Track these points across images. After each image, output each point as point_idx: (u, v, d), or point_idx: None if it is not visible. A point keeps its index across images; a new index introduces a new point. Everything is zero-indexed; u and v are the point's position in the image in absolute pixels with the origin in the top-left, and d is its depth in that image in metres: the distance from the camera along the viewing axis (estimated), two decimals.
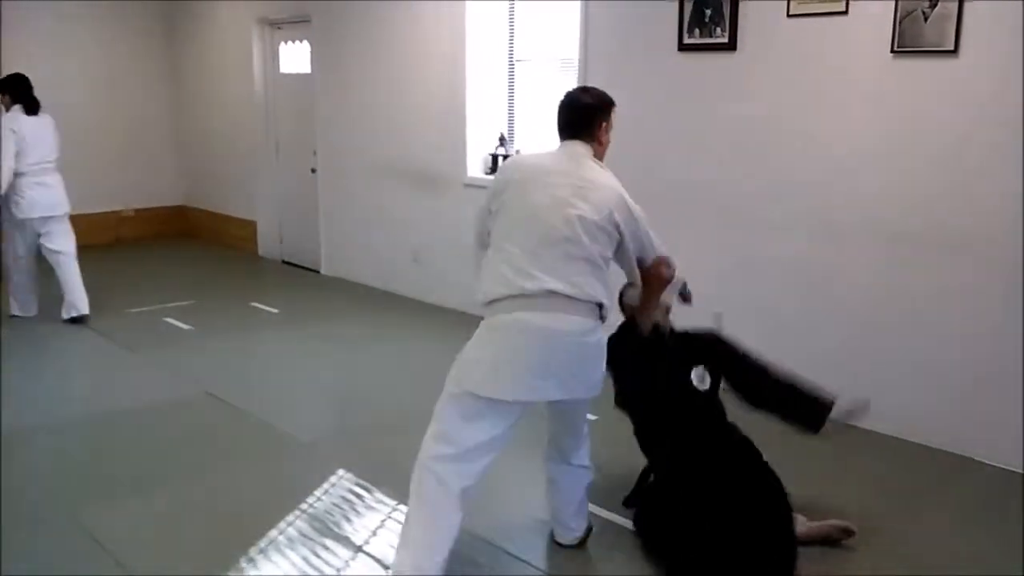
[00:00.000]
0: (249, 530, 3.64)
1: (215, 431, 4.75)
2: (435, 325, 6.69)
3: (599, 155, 3.25)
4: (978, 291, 4.24)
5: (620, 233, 3.08)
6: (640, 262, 3.22)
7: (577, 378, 3.08)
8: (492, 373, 3.05)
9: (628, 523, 3.70)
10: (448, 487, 3.08)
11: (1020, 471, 4.16)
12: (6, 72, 7.06)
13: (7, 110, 6.63)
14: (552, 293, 2.97)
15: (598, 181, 3.11)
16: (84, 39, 9.43)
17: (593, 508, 3.82)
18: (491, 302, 3.10)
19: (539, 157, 3.28)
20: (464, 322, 6.65)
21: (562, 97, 3.30)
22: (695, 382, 3.68)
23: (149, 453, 4.46)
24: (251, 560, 3.43)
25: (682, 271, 5.44)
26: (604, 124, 3.26)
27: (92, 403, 5.11)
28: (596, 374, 3.14)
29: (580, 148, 3.19)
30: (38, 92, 6.83)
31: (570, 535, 3.55)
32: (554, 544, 3.59)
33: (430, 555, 3.06)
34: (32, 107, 6.61)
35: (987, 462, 4.27)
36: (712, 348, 3.81)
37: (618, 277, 3.32)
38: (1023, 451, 4.13)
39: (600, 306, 3.07)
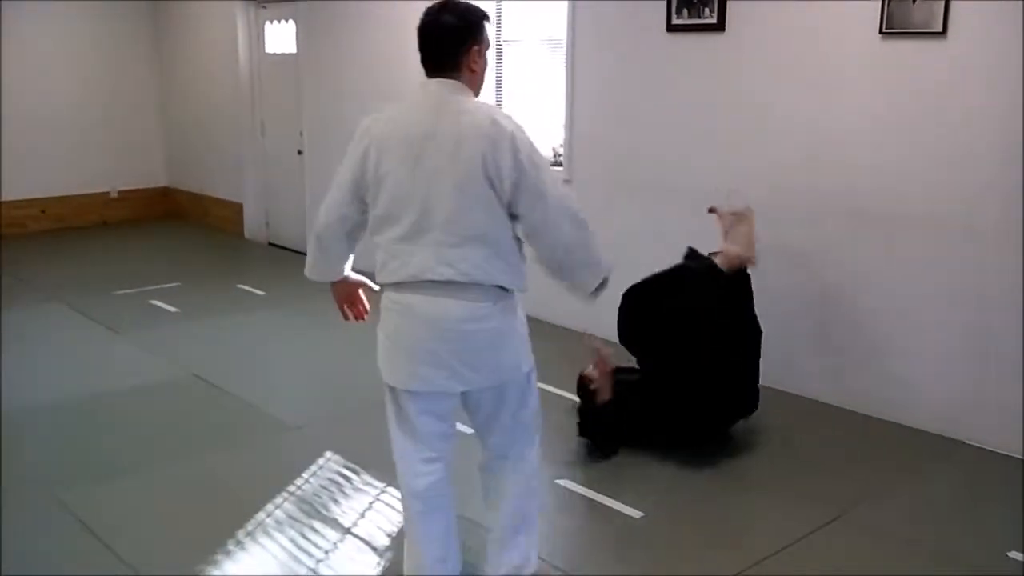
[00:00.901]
0: (237, 512, 3.63)
1: (202, 413, 4.74)
2: None
3: (473, 86, 2.69)
4: (966, 271, 4.25)
5: (501, 182, 2.54)
6: (532, 227, 2.63)
7: (473, 368, 2.70)
8: (387, 359, 2.85)
9: (623, 507, 3.71)
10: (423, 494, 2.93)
11: (1016, 455, 4.17)
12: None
13: None
14: (439, 280, 2.61)
15: (465, 128, 2.54)
16: (68, 20, 9.33)
17: (585, 491, 3.83)
18: (381, 285, 2.83)
19: (400, 111, 2.72)
20: None
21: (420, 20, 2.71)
22: None
23: (135, 436, 4.45)
24: (239, 542, 3.43)
25: (667, 255, 5.47)
26: (475, 48, 2.65)
27: (77, 385, 5.08)
28: (500, 362, 2.74)
29: (445, 87, 2.63)
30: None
31: (494, 570, 3.04)
32: (545, 526, 3.59)
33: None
34: None
35: (985, 447, 4.28)
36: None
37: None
38: (1022, 434, 4.14)
39: (502, 288, 2.68)
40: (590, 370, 4.31)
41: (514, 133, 2.56)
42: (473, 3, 2.73)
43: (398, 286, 2.70)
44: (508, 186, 2.53)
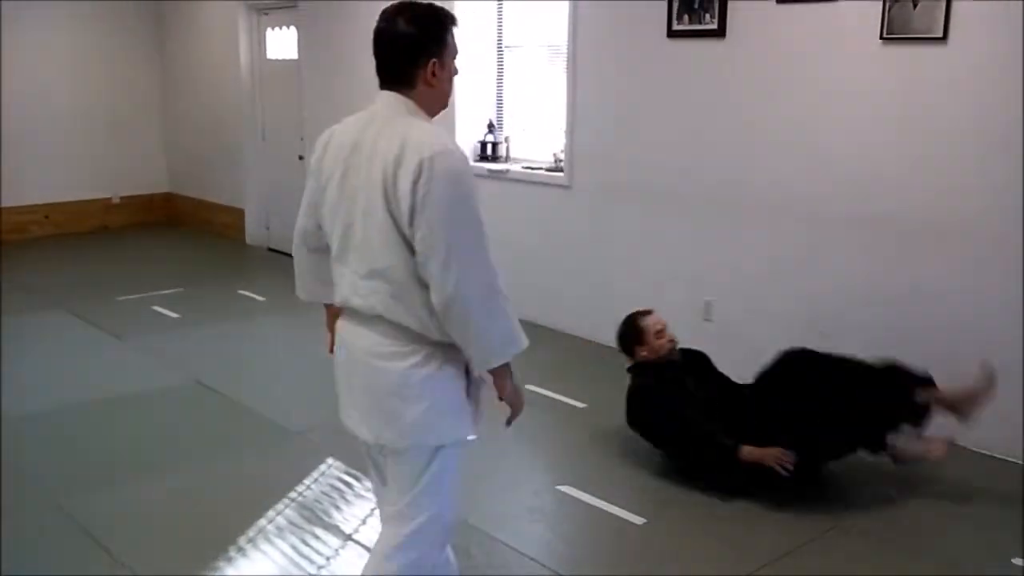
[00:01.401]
0: (238, 519, 3.63)
1: (203, 419, 4.74)
2: None
3: (429, 102, 2.33)
4: (966, 275, 4.25)
5: (399, 210, 2.16)
6: (425, 276, 2.18)
7: (377, 414, 2.34)
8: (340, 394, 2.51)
9: (626, 514, 3.70)
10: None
11: (1017, 460, 4.16)
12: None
13: None
14: (356, 309, 2.34)
15: (380, 146, 2.22)
16: (70, 27, 9.34)
17: (587, 497, 3.83)
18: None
19: (347, 123, 2.41)
20: None
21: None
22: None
23: (137, 442, 4.45)
24: (240, 549, 3.42)
25: (667, 261, 5.46)
26: (433, 62, 2.28)
27: (79, 391, 5.08)
28: (403, 414, 2.29)
29: (388, 102, 2.30)
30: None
31: None
32: (547, 532, 3.59)
33: None
34: None
35: (986, 452, 4.27)
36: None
37: None
38: (1022, 440, 4.14)
39: (414, 331, 2.27)
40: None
41: (430, 159, 2.13)
42: (439, 4, 2.37)
43: (341, 310, 2.46)
44: (406, 216, 2.15)
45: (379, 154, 2.20)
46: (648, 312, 4.23)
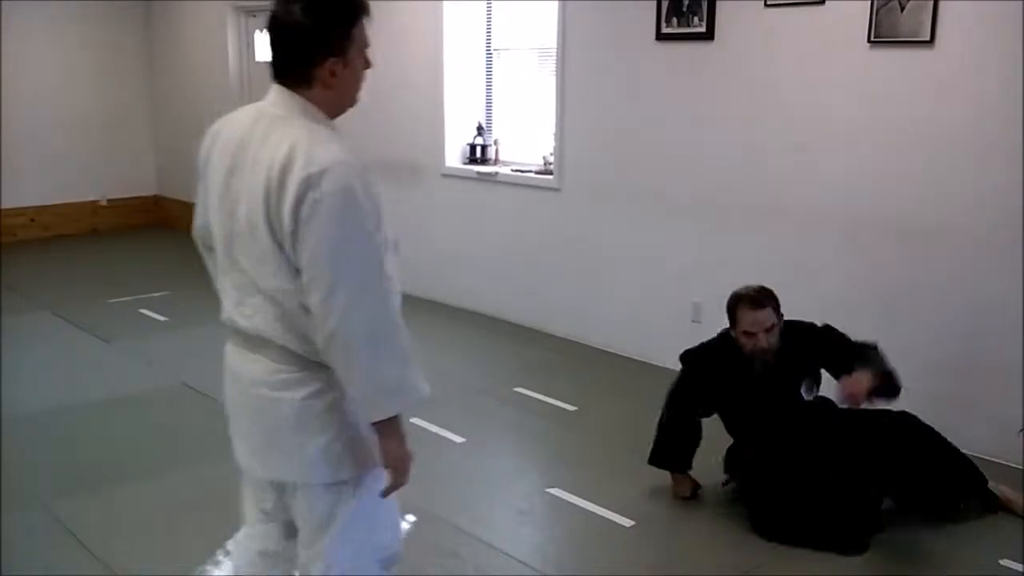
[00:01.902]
0: (227, 522, 3.61)
1: (191, 422, 4.72)
2: (413, 315, 6.61)
3: (329, 104, 2.00)
4: (957, 279, 4.27)
5: (281, 228, 1.88)
6: (309, 304, 1.91)
7: (271, 449, 2.09)
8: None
9: (615, 516, 3.70)
10: None
11: (1012, 464, 4.17)
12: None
13: None
14: (241, 330, 2.07)
15: (265, 151, 1.91)
16: (58, 29, 9.30)
17: (577, 500, 3.83)
18: None
19: (241, 117, 2.08)
20: (443, 313, 6.65)
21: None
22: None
23: (125, 445, 4.43)
24: (228, 552, 3.41)
25: (659, 263, 5.48)
26: (333, 61, 1.94)
27: (67, 394, 5.06)
28: (302, 449, 2.03)
29: (285, 101, 1.98)
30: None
31: None
32: (536, 535, 3.58)
33: None
34: None
35: (979, 455, 4.28)
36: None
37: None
38: (1022, 443, 4.15)
39: (308, 358, 2.00)
40: None
41: (319, 175, 1.83)
42: None
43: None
44: (288, 238, 1.87)
45: (263, 159, 1.90)
46: (759, 304, 3.64)
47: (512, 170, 6.34)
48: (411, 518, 3.67)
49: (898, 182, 4.39)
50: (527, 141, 6.41)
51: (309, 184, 1.83)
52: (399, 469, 2.03)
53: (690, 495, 3.83)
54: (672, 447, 3.85)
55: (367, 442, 2.04)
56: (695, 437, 3.84)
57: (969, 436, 4.23)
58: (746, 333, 3.62)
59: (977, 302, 4.20)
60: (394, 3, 6.79)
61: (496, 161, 6.57)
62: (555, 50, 5.81)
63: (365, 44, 2.00)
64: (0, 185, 8.96)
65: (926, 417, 3.94)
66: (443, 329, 6.34)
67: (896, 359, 4.08)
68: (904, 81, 4.29)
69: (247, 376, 2.07)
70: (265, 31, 1.99)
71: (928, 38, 4.15)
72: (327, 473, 2.05)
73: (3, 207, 9.05)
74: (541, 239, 6.12)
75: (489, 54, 6.58)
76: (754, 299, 3.63)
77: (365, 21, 1.98)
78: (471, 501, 3.86)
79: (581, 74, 5.71)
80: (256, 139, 1.94)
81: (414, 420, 4.60)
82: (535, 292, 6.20)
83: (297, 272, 1.90)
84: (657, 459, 3.89)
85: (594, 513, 3.73)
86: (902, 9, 4.21)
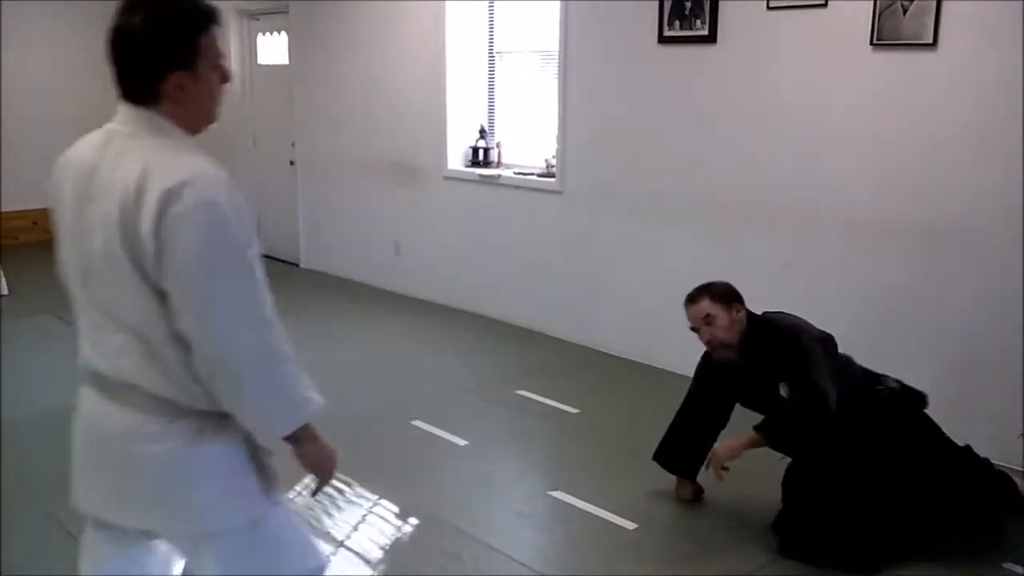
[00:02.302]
0: None
1: None
2: (416, 318, 6.67)
3: (186, 120, 1.86)
4: (957, 282, 4.26)
5: (142, 252, 1.73)
6: (184, 329, 1.76)
7: (141, 501, 1.92)
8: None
9: (617, 519, 3.70)
10: None
11: (1018, 467, 4.16)
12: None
13: None
14: (102, 374, 1.91)
15: (118, 174, 1.77)
16: (62, 31, 9.31)
17: (579, 503, 3.82)
18: None
19: (88, 143, 1.92)
20: (446, 316, 6.66)
21: None
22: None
23: None
24: None
25: (658, 268, 5.47)
26: (178, 75, 1.80)
27: (68, 397, 5.04)
28: (176, 500, 1.89)
29: (134, 119, 1.84)
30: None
31: None
32: (538, 538, 3.58)
33: None
34: None
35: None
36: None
37: None
38: (1021, 447, 4.14)
39: (177, 402, 1.85)
40: None
41: (177, 189, 1.70)
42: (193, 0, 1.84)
43: (84, 372, 2.00)
44: (151, 261, 1.72)
45: (117, 182, 1.75)
46: (691, 298, 3.60)
47: (514, 173, 6.34)
48: (413, 521, 3.67)
49: (900, 184, 4.38)
50: (529, 144, 6.41)
51: (169, 199, 1.69)
52: (323, 469, 2.01)
53: (692, 498, 3.83)
54: (681, 443, 3.79)
55: (241, 491, 1.92)
56: (708, 435, 3.71)
57: (969, 438, 4.22)
58: (693, 329, 3.58)
59: (978, 304, 4.20)
60: (396, 6, 6.81)
61: (498, 164, 6.58)
62: (557, 53, 5.82)
63: (218, 56, 1.86)
64: (0, 188, 8.97)
65: (939, 419, 3.92)
66: (445, 331, 6.34)
67: (897, 361, 4.09)
68: (906, 84, 4.29)
69: (111, 428, 1.89)
70: (107, 46, 1.83)
71: (931, 41, 4.15)
72: (198, 525, 1.92)
73: (4, 210, 9.05)
74: (543, 241, 6.12)
75: (491, 57, 6.58)
76: (690, 295, 3.60)
77: (215, 31, 1.84)
78: (473, 504, 3.86)
79: (583, 77, 5.71)
80: (107, 163, 1.80)
81: (416, 423, 4.61)
82: (537, 294, 6.20)
83: (163, 296, 1.75)
84: (662, 457, 3.85)
85: (596, 516, 3.72)
86: (904, 12, 4.20)
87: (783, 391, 3.44)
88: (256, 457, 1.94)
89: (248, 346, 1.79)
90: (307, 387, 1.93)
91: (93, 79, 9.52)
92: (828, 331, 3.57)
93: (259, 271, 1.82)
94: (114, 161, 1.79)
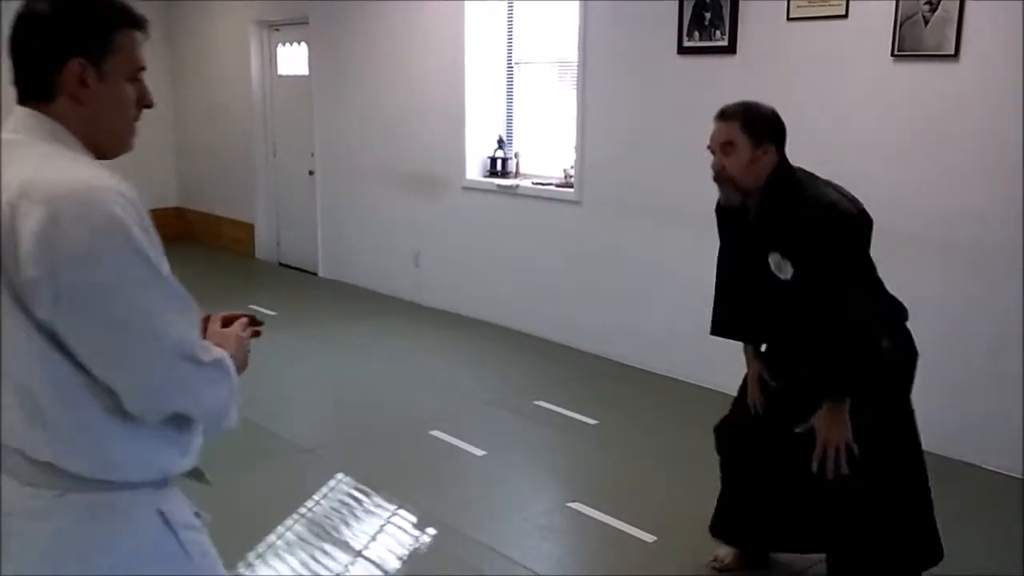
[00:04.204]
0: (248, 534, 3.62)
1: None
2: (434, 328, 6.68)
3: (87, 130, 1.57)
4: (977, 294, 4.23)
5: (22, 282, 1.43)
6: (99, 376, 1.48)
7: None
8: None
9: (636, 531, 3.68)
10: None
11: (1019, 476, 4.14)
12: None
13: None
14: None
15: (30, 199, 1.43)
16: None
17: (597, 515, 3.81)
18: None
19: None
20: (464, 326, 6.66)
21: None
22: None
23: None
24: (250, 564, 3.41)
25: (675, 278, 5.45)
26: (79, 63, 1.53)
27: None
28: None
29: (26, 122, 1.55)
30: None
31: None
32: (557, 550, 3.57)
33: None
34: None
35: (985, 467, 4.25)
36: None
37: None
38: (1022, 455, 4.12)
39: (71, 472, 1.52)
40: None
41: (74, 203, 1.43)
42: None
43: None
44: (33, 293, 1.43)
45: (21, 213, 1.43)
46: (722, 114, 3.04)
47: (533, 183, 6.34)
48: (431, 531, 3.67)
49: (922, 196, 4.36)
50: (548, 154, 6.42)
51: (58, 220, 1.40)
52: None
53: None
54: (729, 309, 3.25)
55: (168, 556, 1.63)
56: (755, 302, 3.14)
57: (988, 452, 4.20)
58: (710, 149, 3.03)
59: (997, 317, 4.16)
60: (415, 17, 6.83)
61: (517, 174, 6.58)
62: (576, 63, 5.82)
63: (136, 65, 1.61)
64: None
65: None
66: (463, 341, 6.34)
67: (926, 374, 4.05)
68: (928, 95, 4.27)
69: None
70: (7, 37, 1.56)
71: (953, 52, 4.12)
72: None
73: None
74: (561, 252, 6.12)
75: (510, 67, 6.60)
76: (724, 109, 3.02)
77: (137, 37, 1.61)
78: (492, 515, 3.85)
79: (602, 87, 5.71)
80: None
81: (434, 433, 4.61)
82: (555, 305, 6.19)
83: (57, 345, 1.46)
84: (718, 327, 3.30)
85: (615, 528, 3.71)
86: (926, 23, 4.19)
87: (775, 265, 2.92)
88: (180, 540, 1.65)
89: (197, 399, 1.57)
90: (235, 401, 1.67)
91: None
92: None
93: (179, 289, 1.61)
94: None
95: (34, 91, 1.55)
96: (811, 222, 2.84)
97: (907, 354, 3.08)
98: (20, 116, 1.56)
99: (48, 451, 1.50)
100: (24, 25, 1.54)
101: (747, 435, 3.21)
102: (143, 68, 1.64)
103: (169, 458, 1.64)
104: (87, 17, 1.55)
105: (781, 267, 2.90)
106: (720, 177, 3.02)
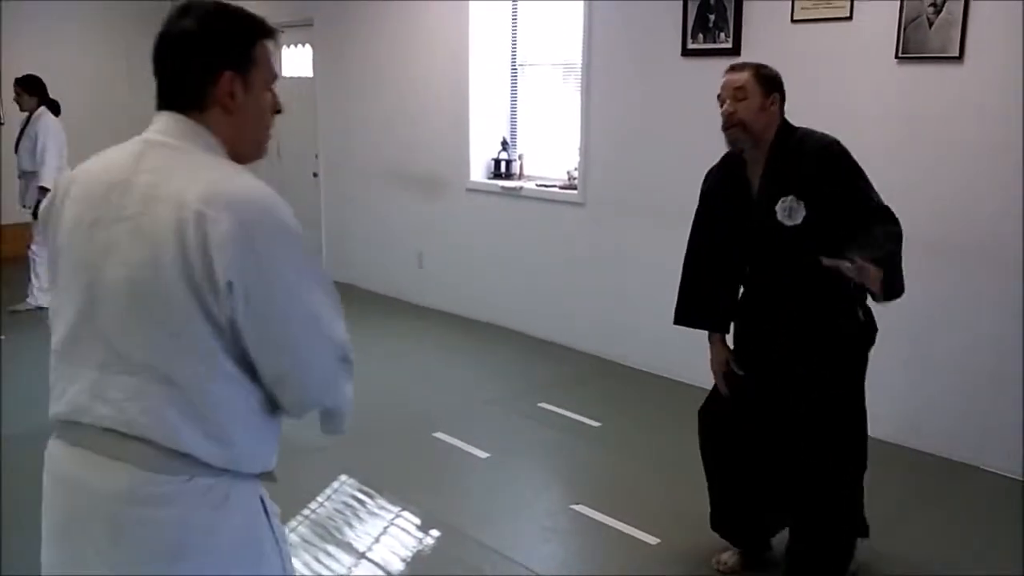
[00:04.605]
0: None
1: None
2: (438, 330, 6.68)
3: (234, 139, 1.68)
4: (979, 296, 4.23)
5: (211, 285, 1.50)
6: (276, 376, 1.62)
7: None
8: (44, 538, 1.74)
9: (640, 533, 3.68)
10: None
11: (1020, 478, 4.13)
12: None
13: (31, 110, 6.98)
14: (96, 425, 1.59)
15: (162, 189, 1.55)
16: (81, 41, 9.42)
17: (601, 517, 3.81)
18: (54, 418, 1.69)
19: (111, 159, 1.70)
20: (468, 328, 6.66)
21: None
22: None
23: None
24: None
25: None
26: (230, 75, 1.64)
27: None
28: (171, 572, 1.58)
29: (178, 127, 1.65)
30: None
31: None
32: (560, 551, 3.57)
33: None
34: (55, 108, 7.00)
35: (986, 468, 4.25)
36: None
37: None
38: (1022, 456, 4.12)
39: (203, 462, 1.58)
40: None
41: (255, 217, 1.53)
42: (244, 9, 1.72)
43: (56, 426, 1.69)
44: (225, 295, 1.51)
45: (170, 197, 1.53)
46: (736, 67, 3.21)
47: (536, 185, 6.35)
48: (435, 533, 3.67)
49: (926, 198, 4.35)
50: (551, 156, 6.42)
51: (247, 225, 1.50)
52: None
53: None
54: (697, 295, 3.39)
55: (262, 563, 1.73)
56: (727, 287, 3.34)
57: (998, 453, 4.19)
58: (719, 99, 3.15)
59: (1007, 319, 4.16)
60: (419, 19, 6.84)
61: (520, 176, 6.59)
62: (580, 65, 5.83)
63: (271, 74, 1.74)
64: (1, 200, 9.01)
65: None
66: (467, 343, 6.34)
67: (928, 375, 4.06)
68: (933, 97, 4.27)
69: (102, 491, 1.57)
70: (154, 52, 1.69)
71: (957, 54, 4.12)
72: None
73: (16, 222, 9.11)
74: (565, 254, 6.12)
75: (514, 69, 6.60)
76: (735, 63, 3.20)
77: (270, 47, 1.72)
78: (495, 517, 3.85)
79: (606, 89, 5.71)
80: (145, 177, 1.58)
81: (438, 435, 4.61)
82: (559, 307, 6.20)
83: (219, 334, 1.54)
84: (682, 315, 3.47)
85: (618, 530, 3.70)
86: (931, 25, 4.18)
87: (783, 213, 3.05)
88: (272, 526, 1.81)
89: (329, 359, 1.68)
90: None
91: (112, 91, 9.64)
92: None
93: (335, 290, 1.70)
94: (155, 176, 1.57)
95: (187, 102, 1.64)
96: (826, 156, 3.10)
97: (873, 327, 3.32)
98: (170, 122, 1.65)
99: (180, 437, 1.55)
100: (174, 41, 1.65)
101: (721, 419, 3.31)
102: (277, 77, 1.77)
103: (274, 452, 1.81)
104: (233, 32, 1.66)
105: (793, 212, 3.05)
106: (730, 123, 3.16)
